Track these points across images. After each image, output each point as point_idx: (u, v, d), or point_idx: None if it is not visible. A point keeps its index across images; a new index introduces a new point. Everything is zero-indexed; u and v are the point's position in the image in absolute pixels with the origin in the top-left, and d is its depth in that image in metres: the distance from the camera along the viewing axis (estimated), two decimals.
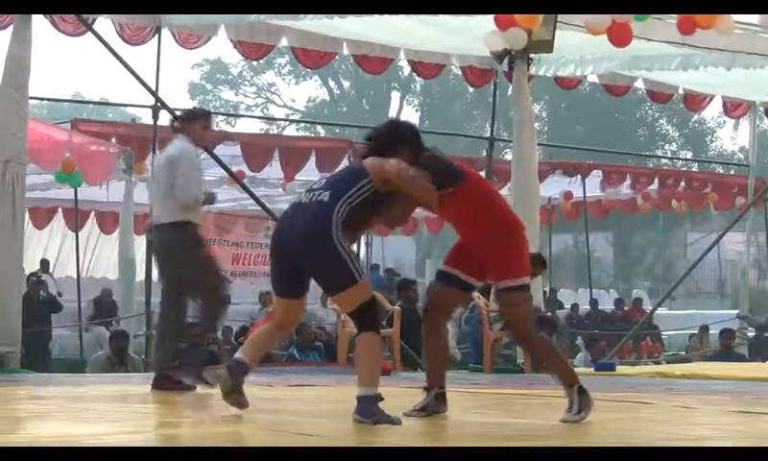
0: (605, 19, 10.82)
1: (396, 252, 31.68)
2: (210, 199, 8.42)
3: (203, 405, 7.08)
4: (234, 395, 5.89)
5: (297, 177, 17.34)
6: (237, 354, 6.01)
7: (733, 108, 17.83)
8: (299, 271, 5.80)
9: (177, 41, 13.17)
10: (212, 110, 46.96)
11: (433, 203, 5.89)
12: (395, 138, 5.94)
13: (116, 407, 7.05)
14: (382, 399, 5.62)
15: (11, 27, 10.94)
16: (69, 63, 60.71)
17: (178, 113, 8.57)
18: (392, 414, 5.62)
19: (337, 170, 6.60)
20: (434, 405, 6.14)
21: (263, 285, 17.57)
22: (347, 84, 44.03)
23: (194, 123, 8.27)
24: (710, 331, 18.86)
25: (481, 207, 5.97)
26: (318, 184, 5.88)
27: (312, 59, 14.22)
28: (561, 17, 11.93)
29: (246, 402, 5.91)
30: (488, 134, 17.46)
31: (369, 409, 5.56)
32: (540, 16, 11.33)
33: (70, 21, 11.94)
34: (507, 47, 12.07)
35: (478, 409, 7.02)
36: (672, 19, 11.51)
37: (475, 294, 10.60)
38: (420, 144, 5.98)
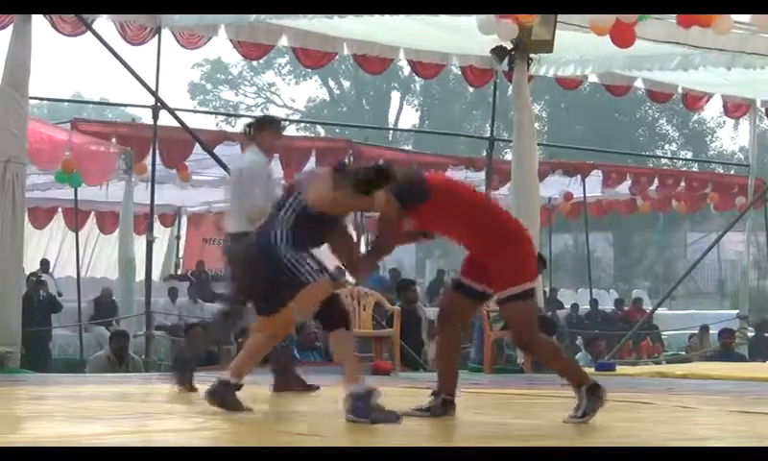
0: (609, 18, 10.80)
1: (396, 252, 31.60)
2: None
3: None
4: (226, 408, 5.99)
5: (297, 177, 17.31)
6: (223, 375, 6.06)
7: (734, 108, 17.84)
8: (261, 290, 5.90)
9: (177, 41, 13.18)
10: (212, 111, 46.59)
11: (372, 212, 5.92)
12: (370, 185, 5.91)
13: (116, 407, 7.05)
14: (374, 390, 5.62)
15: (10, 27, 10.95)
16: (69, 63, 60.67)
17: (249, 122, 8.47)
18: (388, 410, 5.61)
19: None
20: (439, 410, 6.09)
21: None
22: (347, 84, 44.02)
23: (263, 132, 8.16)
24: (710, 331, 18.86)
25: (461, 219, 5.91)
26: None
27: (312, 59, 14.23)
28: (561, 17, 11.94)
29: (241, 407, 5.99)
30: (488, 134, 17.48)
31: (363, 408, 5.55)
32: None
33: (68, 21, 11.94)
34: (498, 36, 12.05)
35: (478, 409, 7.01)
36: (672, 19, 11.51)
37: None
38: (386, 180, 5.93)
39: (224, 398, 5.98)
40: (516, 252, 5.92)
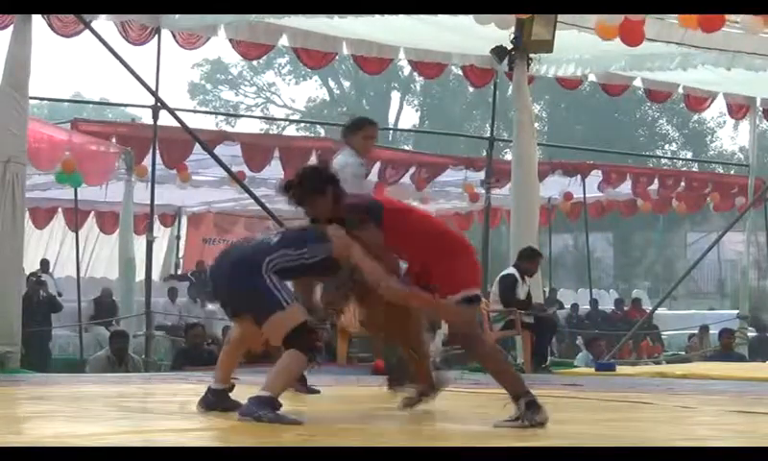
0: (616, 18, 10.78)
1: None
2: None
3: None
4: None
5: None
6: (212, 384, 6.11)
7: (737, 109, 17.83)
8: (231, 296, 5.96)
9: (177, 41, 13.18)
10: (213, 111, 46.52)
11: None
12: (321, 179, 6.05)
13: (116, 407, 7.05)
14: (280, 405, 5.67)
15: (11, 27, 10.96)
16: (69, 63, 60.71)
17: (344, 123, 8.46)
18: (290, 415, 5.65)
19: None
20: (427, 390, 6.32)
21: None
22: (347, 84, 44.02)
23: (355, 134, 8.14)
24: (710, 331, 18.86)
25: (416, 237, 5.94)
26: (275, 232, 6.13)
27: (313, 58, 14.23)
28: (561, 17, 11.94)
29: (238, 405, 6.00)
30: (488, 134, 17.49)
31: (253, 408, 5.57)
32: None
33: (64, 21, 11.93)
34: (495, 24, 12.05)
35: (478, 409, 7.01)
36: (672, 19, 11.50)
37: None
38: (341, 188, 6.09)
39: (214, 406, 6.00)
40: (451, 262, 5.88)
